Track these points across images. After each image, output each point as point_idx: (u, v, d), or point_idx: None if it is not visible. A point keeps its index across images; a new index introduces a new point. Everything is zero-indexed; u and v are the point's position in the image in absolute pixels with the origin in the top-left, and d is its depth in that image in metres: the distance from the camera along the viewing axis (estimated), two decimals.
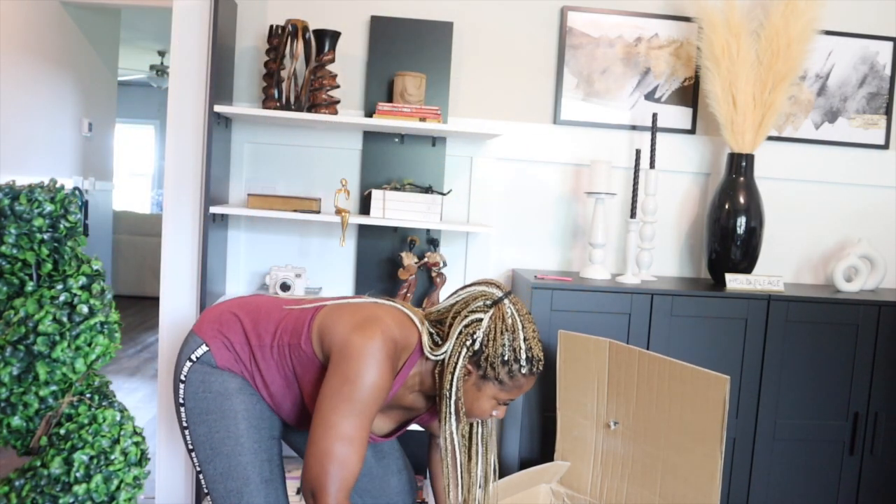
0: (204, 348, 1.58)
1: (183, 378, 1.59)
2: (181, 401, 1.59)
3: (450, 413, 1.52)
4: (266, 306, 1.65)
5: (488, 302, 1.54)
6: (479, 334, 1.51)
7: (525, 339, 1.52)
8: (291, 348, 1.56)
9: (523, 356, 1.51)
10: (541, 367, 1.55)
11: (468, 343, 1.51)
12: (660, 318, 2.37)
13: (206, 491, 1.57)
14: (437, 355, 1.53)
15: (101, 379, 1.62)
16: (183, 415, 1.59)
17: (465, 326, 1.52)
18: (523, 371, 1.52)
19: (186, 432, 1.59)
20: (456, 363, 1.51)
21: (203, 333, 1.61)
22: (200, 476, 1.58)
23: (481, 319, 1.52)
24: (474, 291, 1.57)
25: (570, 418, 2.19)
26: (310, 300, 1.65)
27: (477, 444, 1.64)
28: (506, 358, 1.50)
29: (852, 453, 2.47)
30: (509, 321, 1.52)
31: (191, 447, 1.59)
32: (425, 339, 1.55)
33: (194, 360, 1.58)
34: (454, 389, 1.51)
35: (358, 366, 1.43)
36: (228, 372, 1.58)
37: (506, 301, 1.54)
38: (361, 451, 1.43)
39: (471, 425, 1.64)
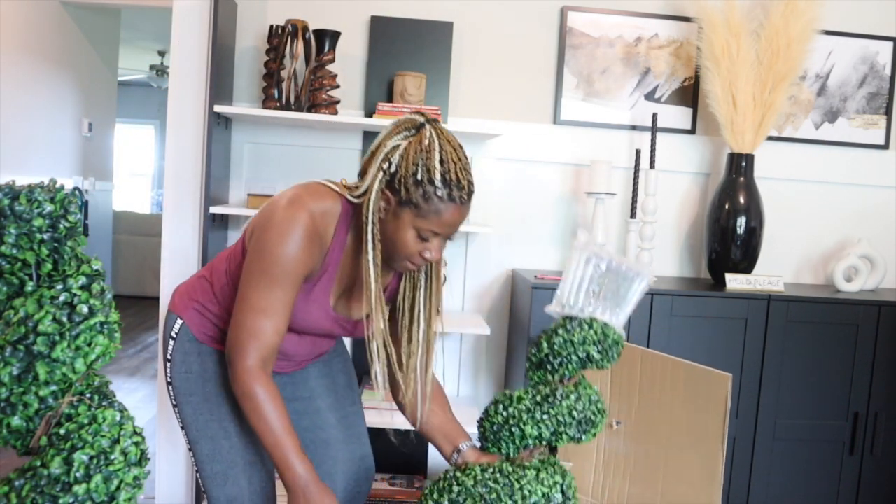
0: (179, 322, 1.60)
1: (168, 357, 1.61)
2: (168, 379, 1.61)
3: (369, 240, 1.46)
4: (219, 254, 1.66)
5: (411, 130, 1.47)
6: (396, 157, 1.44)
7: (442, 161, 1.44)
8: (239, 267, 1.54)
9: (438, 176, 1.42)
10: (464, 196, 1.46)
11: (385, 167, 1.45)
12: (660, 319, 2.37)
13: (195, 469, 1.59)
14: (359, 194, 1.48)
15: (101, 379, 1.61)
16: (171, 393, 1.61)
17: (386, 154, 1.46)
18: (439, 193, 1.43)
19: (176, 410, 1.61)
20: (372, 188, 1.45)
21: (175, 308, 1.62)
22: (191, 453, 1.60)
23: (399, 145, 1.45)
24: (398, 120, 1.51)
25: None
26: None
27: (419, 309, 1.57)
28: (419, 177, 1.42)
29: (852, 453, 2.46)
30: (426, 143, 1.45)
31: (181, 424, 1.61)
32: (346, 192, 1.50)
33: (174, 336, 1.60)
34: (370, 213, 1.45)
35: (269, 238, 1.42)
36: (208, 347, 1.59)
37: (427, 126, 1.47)
38: (277, 322, 1.42)
39: (414, 287, 1.57)
